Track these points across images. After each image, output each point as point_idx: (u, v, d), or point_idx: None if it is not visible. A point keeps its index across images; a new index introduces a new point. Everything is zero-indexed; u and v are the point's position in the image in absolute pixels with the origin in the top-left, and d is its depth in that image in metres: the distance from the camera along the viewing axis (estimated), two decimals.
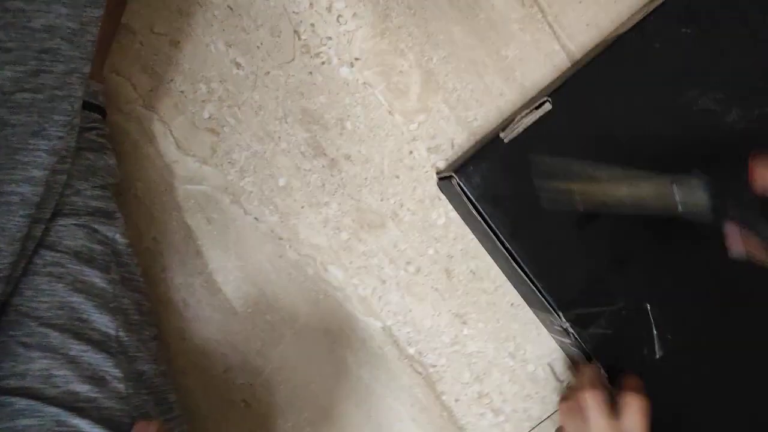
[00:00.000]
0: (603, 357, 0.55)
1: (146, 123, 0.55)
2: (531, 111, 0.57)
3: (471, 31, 0.61)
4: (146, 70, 0.55)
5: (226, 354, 0.56)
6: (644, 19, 0.60)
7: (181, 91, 0.56)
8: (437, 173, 0.61)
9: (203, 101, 0.56)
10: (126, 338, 0.46)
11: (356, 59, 0.59)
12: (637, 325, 0.57)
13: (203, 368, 0.56)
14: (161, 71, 0.55)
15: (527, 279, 0.56)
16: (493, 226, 0.56)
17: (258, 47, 0.57)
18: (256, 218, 0.57)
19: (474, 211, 0.56)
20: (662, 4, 0.60)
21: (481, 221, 0.56)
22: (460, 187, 0.55)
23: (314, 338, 0.58)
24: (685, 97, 0.60)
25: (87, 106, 0.48)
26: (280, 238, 0.57)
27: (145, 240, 0.55)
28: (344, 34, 0.59)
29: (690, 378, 0.56)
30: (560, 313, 0.55)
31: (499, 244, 0.57)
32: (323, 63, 0.58)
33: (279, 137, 0.57)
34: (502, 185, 0.56)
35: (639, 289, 0.57)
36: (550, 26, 0.62)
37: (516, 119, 0.57)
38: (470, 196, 0.56)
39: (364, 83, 0.59)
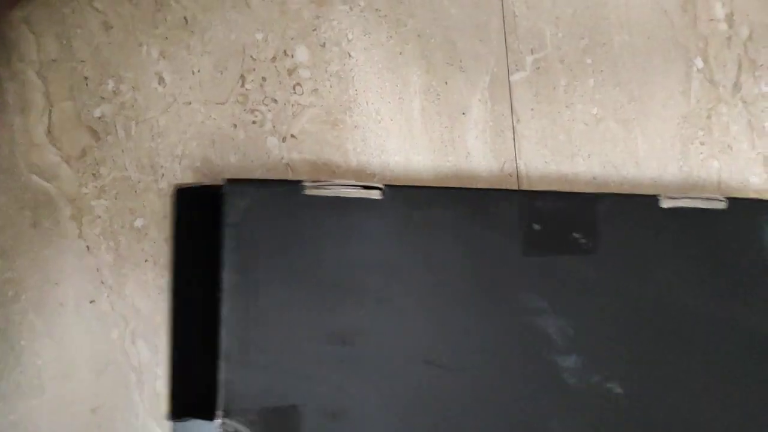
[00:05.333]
0: None
1: (29, 91, 0.47)
2: (359, 186, 0.46)
3: None
4: (61, 38, 0.48)
5: None
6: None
7: (86, 78, 0.48)
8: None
9: (102, 98, 0.48)
10: None
11: (292, 136, 0.51)
12: None
13: None
14: (76, 47, 0.48)
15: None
16: (224, 264, 0.43)
17: (194, 73, 0.49)
18: (88, 247, 0.48)
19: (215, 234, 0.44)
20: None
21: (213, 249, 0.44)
22: (222, 197, 0.44)
23: (75, 413, 0.47)
24: (524, 303, 0.48)
25: None
26: (102, 282, 0.48)
27: None
28: (293, 105, 0.51)
29: None
30: (222, 411, 0.42)
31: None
32: (254, 122, 0.50)
33: (163, 175, 0.49)
34: (267, 233, 0.44)
35: None
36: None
37: (336, 182, 0.46)
38: (225, 215, 0.44)
39: (287, 164, 0.50)
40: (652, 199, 0.51)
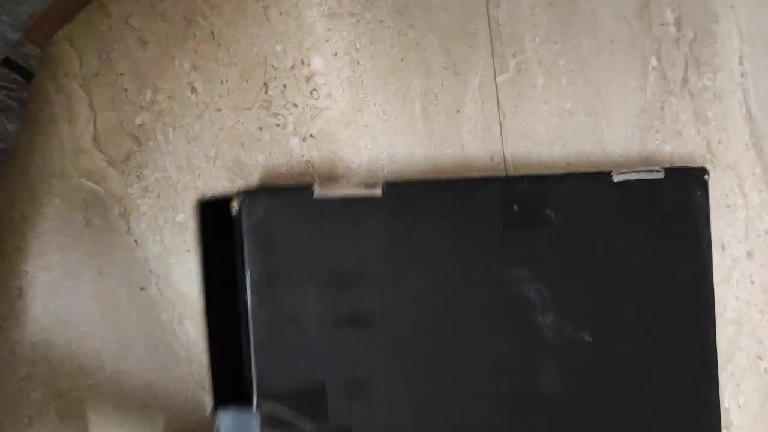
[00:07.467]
0: None
1: (75, 103, 0.52)
2: (360, 185, 0.53)
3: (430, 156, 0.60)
4: (101, 53, 0.53)
5: (35, 362, 0.51)
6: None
7: (125, 89, 0.53)
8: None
9: (141, 107, 0.53)
10: None
11: (311, 136, 0.57)
12: None
13: (6, 369, 0.51)
14: (115, 61, 0.53)
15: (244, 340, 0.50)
16: (247, 266, 0.50)
17: (222, 82, 0.55)
18: (136, 241, 0.53)
19: (238, 242, 0.50)
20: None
21: (238, 254, 0.50)
22: (240, 208, 0.50)
23: (133, 387, 0.53)
24: (508, 274, 0.56)
25: (12, 65, 0.46)
26: (151, 272, 0.54)
27: (12, 211, 0.51)
28: (311, 108, 0.57)
29: None
30: (256, 397, 0.49)
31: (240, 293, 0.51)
32: (278, 125, 0.56)
33: (199, 174, 0.55)
34: (283, 235, 0.50)
35: (360, 424, 0.51)
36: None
37: (342, 183, 0.53)
38: (242, 223, 0.50)
39: (308, 161, 0.57)
40: (607, 175, 0.60)
